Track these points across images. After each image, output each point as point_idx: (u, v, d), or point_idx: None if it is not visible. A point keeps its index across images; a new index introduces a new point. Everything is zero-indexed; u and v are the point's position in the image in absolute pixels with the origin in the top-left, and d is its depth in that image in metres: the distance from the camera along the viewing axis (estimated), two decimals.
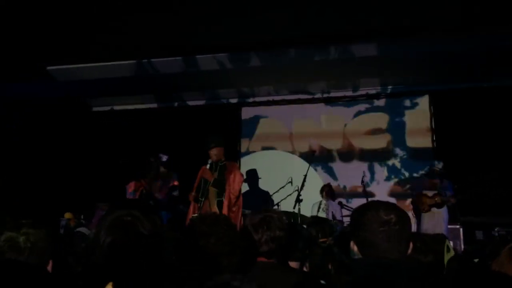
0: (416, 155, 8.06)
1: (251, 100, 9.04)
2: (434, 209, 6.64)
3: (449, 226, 6.59)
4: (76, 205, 7.76)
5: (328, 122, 8.64)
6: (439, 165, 6.78)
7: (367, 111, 8.49)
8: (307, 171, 6.73)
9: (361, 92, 8.51)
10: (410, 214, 6.97)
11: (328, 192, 7.39)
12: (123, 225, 1.46)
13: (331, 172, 8.46)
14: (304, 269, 2.63)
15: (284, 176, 7.53)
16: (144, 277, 1.42)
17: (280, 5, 5.84)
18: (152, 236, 1.47)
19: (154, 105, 9.41)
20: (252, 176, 8.39)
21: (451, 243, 3.88)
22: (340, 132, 8.54)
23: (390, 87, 8.37)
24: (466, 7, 5.86)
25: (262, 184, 8.28)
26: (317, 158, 7.98)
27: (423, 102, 8.23)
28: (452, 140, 7.69)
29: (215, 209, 5.57)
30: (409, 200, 7.15)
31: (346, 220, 6.92)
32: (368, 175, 7.95)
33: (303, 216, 6.57)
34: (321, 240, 3.79)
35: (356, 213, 1.86)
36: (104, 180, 8.54)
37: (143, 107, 9.43)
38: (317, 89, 8.61)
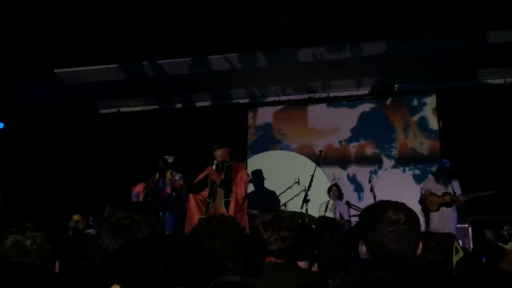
0: (423, 154, 8.01)
1: (258, 100, 9.03)
2: (443, 208, 6.60)
3: (458, 225, 6.55)
4: (85, 207, 7.80)
5: (332, 122, 8.61)
6: (447, 164, 6.74)
7: (372, 110, 8.45)
8: (314, 171, 6.72)
9: (367, 91, 8.47)
10: (419, 212, 6.94)
11: (335, 192, 7.38)
12: (122, 229, 1.46)
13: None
14: (313, 269, 2.61)
15: (291, 176, 7.52)
16: (142, 280, 1.42)
17: (281, 5, 5.81)
18: (150, 239, 1.47)
19: (161, 107, 9.43)
20: (259, 177, 8.38)
21: (460, 243, 3.85)
22: (345, 131, 8.51)
23: (396, 86, 8.33)
24: (467, 6, 5.83)
25: (269, 185, 8.27)
26: (324, 158, 7.93)
27: (430, 101, 8.17)
28: (460, 138, 7.63)
29: (222, 210, 5.57)
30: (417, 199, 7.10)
31: (354, 219, 6.89)
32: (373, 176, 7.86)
33: (310, 216, 6.57)
34: None
35: (365, 213, 1.85)
36: (111, 181, 8.57)
37: (150, 108, 9.46)
38: (322, 88, 8.57)
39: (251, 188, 7.76)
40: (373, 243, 1.75)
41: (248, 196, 5.91)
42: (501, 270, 2.05)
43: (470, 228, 6.62)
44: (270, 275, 2.03)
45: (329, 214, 6.98)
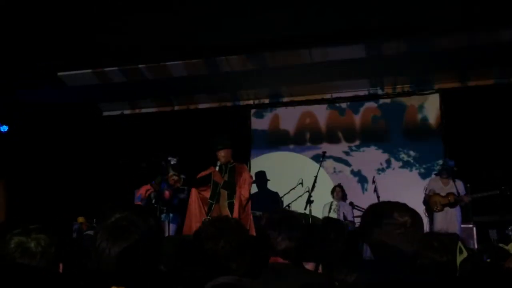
0: (426, 154, 7.99)
1: (261, 102, 9.03)
2: (447, 209, 6.58)
3: (463, 226, 6.53)
4: (89, 209, 7.82)
5: (336, 122, 8.60)
6: (451, 164, 6.72)
7: (375, 110, 8.44)
8: (317, 172, 6.72)
9: (368, 91, 8.46)
10: (422, 213, 6.92)
11: (339, 192, 7.37)
12: (118, 230, 1.46)
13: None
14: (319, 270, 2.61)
15: (295, 177, 7.51)
16: (141, 281, 1.42)
17: (281, 5, 5.81)
18: (147, 240, 1.47)
19: (164, 109, 9.44)
20: (263, 178, 8.38)
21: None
22: (348, 131, 8.51)
23: (400, 86, 8.31)
24: (467, 5, 5.82)
25: (273, 186, 8.26)
26: (327, 158, 7.91)
27: (434, 100, 8.15)
28: (463, 138, 7.60)
29: (226, 211, 5.56)
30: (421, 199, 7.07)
31: (358, 220, 6.88)
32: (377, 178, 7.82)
33: (314, 217, 6.56)
34: None
35: (369, 216, 1.85)
36: (115, 184, 8.59)
37: (154, 110, 9.47)
38: (324, 89, 8.56)
39: (254, 189, 7.76)
40: (379, 245, 1.76)
41: (251, 197, 5.89)
42: (505, 269, 2.05)
43: (474, 229, 6.60)
44: (275, 276, 2.03)
45: (333, 215, 6.97)
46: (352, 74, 7.90)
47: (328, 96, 8.65)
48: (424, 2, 5.85)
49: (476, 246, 6.35)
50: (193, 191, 5.84)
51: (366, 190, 8.04)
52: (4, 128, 8.74)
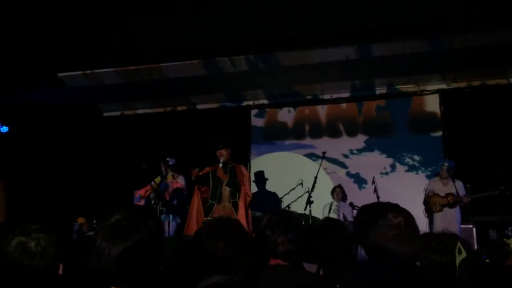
0: (426, 154, 7.98)
1: (260, 102, 9.03)
2: (446, 209, 6.58)
3: (462, 226, 6.52)
4: (89, 209, 7.81)
5: (337, 123, 8.60)
6: (451, 164, 6.72)
7: (375, 110, 8.43)
8: (317, 173, 6.72)
9: (368, 92, 8.46)
10: (422, 213, 6.92)
11: (339, 193, 7.37)
12: (118, 231, 1.46)
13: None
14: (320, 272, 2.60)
15: (295, 178, 7.51)
16: (141, 282, 1.43)
17: (282, 5, 5.82)
18: (147, 240, 1.47)
19: (164, 109, 9.44)
20: (262, 178, 8.38)
21: None
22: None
23: (399, 86, 8.31)
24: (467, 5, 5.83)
25: (272, 186, 8.26)
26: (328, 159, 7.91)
27: (433, 101, 8.15)
28: (463, 139, 7.61)
29: (230, 211, 5.52)
30: (421, 200, 7.07)
31: None
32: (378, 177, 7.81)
33: (314, 218, 6.56)
34: None
35: (363, 217, 1.85)
36: (116, 184, 8.59)
37: (153, 111, 9.47)
38: (323, 90, 8.56)
39: (254, 189, 7.76)
40: (374, 246, 1.76)
41: (251, 198, 5.89)
42: (506, 267, 2.04)
43: (474, 229, 6.59)
44: (275, 277, 2.02)
45: (333, 215, 6.98)
46: (352, 74, 7.91)
47: (328, 96, 8.65)
48: (424, 2, 5.85)
49: (476, 246, 6.35)
50: (195, 192, 5.85)
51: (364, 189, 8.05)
52: (4, 129, 8.74)
